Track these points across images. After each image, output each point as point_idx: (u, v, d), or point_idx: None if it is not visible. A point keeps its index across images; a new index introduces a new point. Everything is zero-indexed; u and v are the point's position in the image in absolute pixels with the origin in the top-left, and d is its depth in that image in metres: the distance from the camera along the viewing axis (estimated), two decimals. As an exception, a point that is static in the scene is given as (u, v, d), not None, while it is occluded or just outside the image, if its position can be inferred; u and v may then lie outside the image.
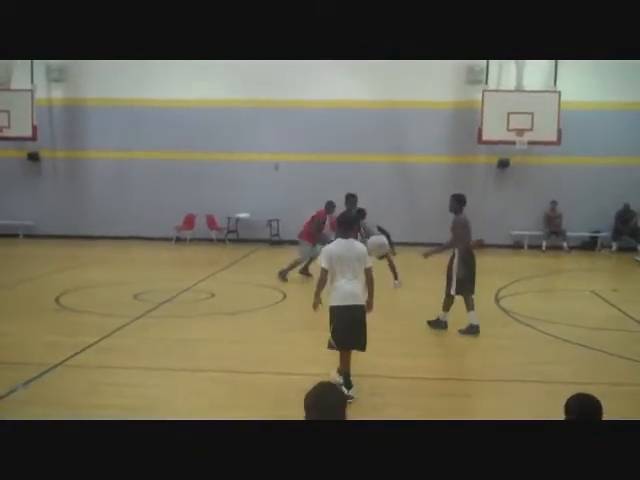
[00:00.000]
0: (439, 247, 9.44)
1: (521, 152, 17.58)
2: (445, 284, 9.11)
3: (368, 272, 6.48)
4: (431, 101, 18.10)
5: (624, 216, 17.84)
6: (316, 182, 17.77)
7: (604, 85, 17.71)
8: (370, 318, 6.51)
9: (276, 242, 18.36)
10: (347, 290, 6.31)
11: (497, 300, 11.46)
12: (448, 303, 9.13)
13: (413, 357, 7.90)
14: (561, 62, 17.40)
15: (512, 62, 17.63)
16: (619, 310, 10.63)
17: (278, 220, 18.42)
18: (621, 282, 14.59)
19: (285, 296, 11.40)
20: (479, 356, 8.25)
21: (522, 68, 17.52)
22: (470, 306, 8.97)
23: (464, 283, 8.94)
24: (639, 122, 17.91)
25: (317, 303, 6.50)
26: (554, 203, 17.92)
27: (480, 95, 17.52)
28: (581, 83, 17.63)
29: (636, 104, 17.74)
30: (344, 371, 6.44)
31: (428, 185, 18.23)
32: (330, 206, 12.54)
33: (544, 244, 17.90)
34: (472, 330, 8.91)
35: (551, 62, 17.46)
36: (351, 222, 6.95)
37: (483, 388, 7.02)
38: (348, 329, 6.31)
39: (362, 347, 6.43)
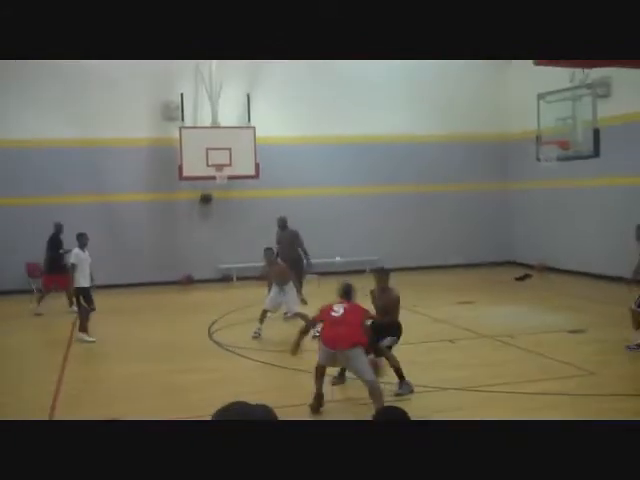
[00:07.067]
0: None
1: (222, 187, 17.89)
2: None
3: None
4: (128, 138, 17.78)
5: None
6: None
7: (292, 120, 18.81)
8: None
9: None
10: None
11: (210, 334, 11.43)
12: None
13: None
14: (253, 98, 18.11)
15: (206, 99, 17.94)
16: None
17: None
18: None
19: None
20: (195, 391, 8.09)
21: (216, 105, 17.90)
22: None
23: None
24: (331, 155, 19.22)
25: None
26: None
27: (177, 132, 17.53)
28: (271, 119, 18.48)
29: (325, 138, 19.05)
30: None
31: (133, 223, 17.84)
32: None
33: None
34: None
35: (244, 98, 18.09)
36: None
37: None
38: None
39: None
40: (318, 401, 7.30)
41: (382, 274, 8.46)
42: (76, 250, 11.40)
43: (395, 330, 8.13)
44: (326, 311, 7.49)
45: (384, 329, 7.96)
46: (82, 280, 11.28)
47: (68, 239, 13.58)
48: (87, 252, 11.46)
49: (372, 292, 8.47)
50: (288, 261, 12.44)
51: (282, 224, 13.60)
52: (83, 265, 11.30)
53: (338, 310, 7.38)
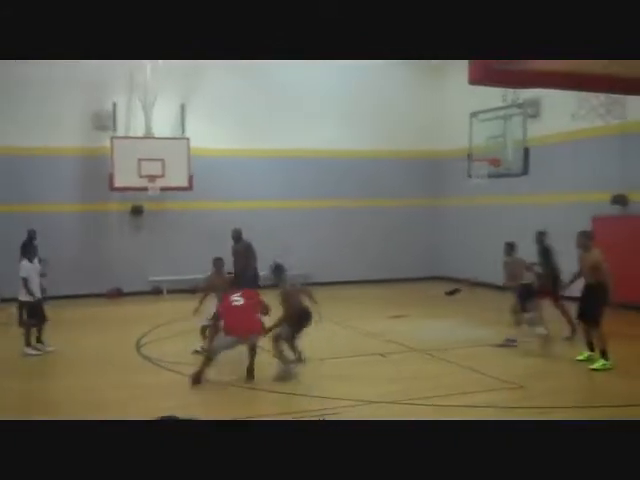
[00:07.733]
0: None
1: (154, 198, 17.57)
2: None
3: None
4: (57, 147, 17.30)
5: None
6: None
7: (228, 132, 18.65)
8: None
9: None
10: None
11: (138, 348, 11.15)
12: None
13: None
14: (188, 109, 17.91)
15: (140, 108, 17.65)
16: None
17: None
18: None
19: None
20: (123, 406, 7.84)
21: (150, 114, 17.62)
22: None
23: None
24: (267, 168, 19.11)
25: None
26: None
27: (109, 141, 17.16)
28: (206, 130, 18.29)
29: (261, 151, 18.95)
30: None
31: (61, 234, 17.34)
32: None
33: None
34: None
35: (178, 109, 17.88)
36: None
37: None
38: None
39: None
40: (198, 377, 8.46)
41: (274, 272, 9.43)
42: (24, 262, 11.01)
43: (297, 321, 9.10)
44: (227, 301, 8.73)
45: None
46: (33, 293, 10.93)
47: None
48: (36, 262, 11.14)
49: None
50: (241, 275, 12.35)
51: (236, 236, 13.43)
52: (33, 277, 10.96)
53: (238, 300, 8.58)
